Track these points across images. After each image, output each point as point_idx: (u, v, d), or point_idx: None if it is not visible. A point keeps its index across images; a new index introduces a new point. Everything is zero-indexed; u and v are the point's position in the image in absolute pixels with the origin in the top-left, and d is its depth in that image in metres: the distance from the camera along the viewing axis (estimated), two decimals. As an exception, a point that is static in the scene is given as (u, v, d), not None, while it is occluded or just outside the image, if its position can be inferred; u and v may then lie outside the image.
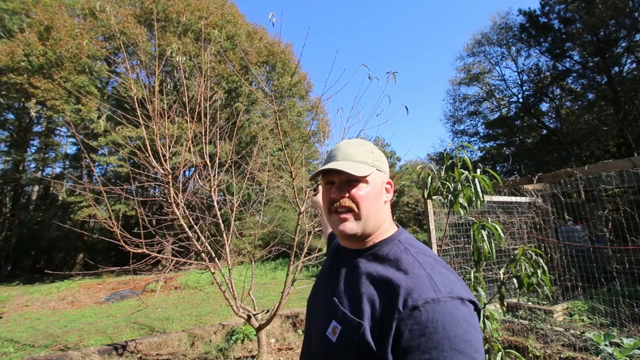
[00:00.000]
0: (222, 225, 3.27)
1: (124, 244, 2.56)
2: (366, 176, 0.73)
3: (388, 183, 0.80)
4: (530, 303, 4.24)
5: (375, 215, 0.74)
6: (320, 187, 1.28)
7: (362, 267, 0.72)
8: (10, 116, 16.28)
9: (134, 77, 4.75)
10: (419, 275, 0.63)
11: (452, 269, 0.69)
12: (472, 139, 20.63)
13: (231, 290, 3.11)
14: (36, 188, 18.62)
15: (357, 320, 0.62)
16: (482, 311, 0.69)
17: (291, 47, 17.52)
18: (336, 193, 0.74)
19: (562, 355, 2.96)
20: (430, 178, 2.03)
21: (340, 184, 0.75)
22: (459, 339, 0.54)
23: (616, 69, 14.36)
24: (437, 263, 0.68)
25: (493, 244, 1.71)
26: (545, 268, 1.68)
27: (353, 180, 0.74)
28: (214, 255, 3.06)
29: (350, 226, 0.73)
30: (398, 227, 0.80)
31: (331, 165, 0.74)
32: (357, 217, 0.73)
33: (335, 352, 0.64)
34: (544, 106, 18.55)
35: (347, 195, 0.73)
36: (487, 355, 1.67)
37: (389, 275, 0.66)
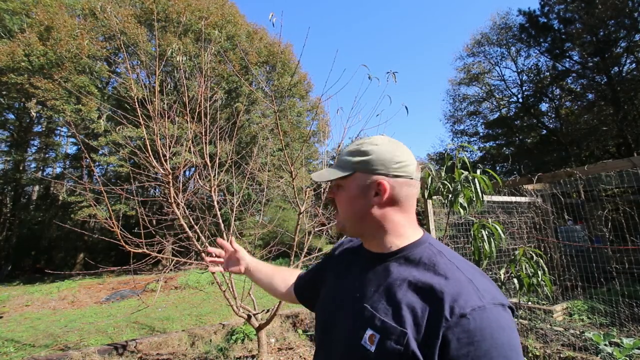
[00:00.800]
0: (222, 225, 3.27)
1: (124, 244, 2.57)
2: (336, 180, 0.77)
3: (378, 183, 0.71)
4: (530, 303, 4.25)
5: (357, 218, 0.74)
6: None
7: (394, 272, 0.69)
8: (11, 116, 16.29)
9: (134, 77, 4.76)
10: (460, 281, 0.61)
11: (486, 274, 0.67)
12: (472, 139, 20.65)
13: (231, 290, 3.12)
14: (36, 188, 18.62)
15: (400, 328, 0.60)
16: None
17: (291, 47, 17.56)
18: (327, 195, 0.83)
19: (561, 355, 2.96)
20: (430, 178, 2.04)
21: (331, 187, 0.81)
22: (507, 347, 0.54)
23: (616, 69, 14.37)
24: (473, 268, 0.66)
25: (493, 244, 1.72)
26: (546, 269, 1.68)
27: (337, 184, 0.78)
28: (214, 255, 3.05)
29: (337, 225, 0.80)
30: (424, 230, 0.77)
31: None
32: (338, 217, 0.79)
33: None
34: (544, 106, 18.61)
35: (332, 197, 0.81)
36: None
37: (428, 280, 0.63)
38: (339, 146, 3.40)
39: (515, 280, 1.68)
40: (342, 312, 0.73)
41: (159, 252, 3.02)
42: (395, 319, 0.61)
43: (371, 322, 0.64)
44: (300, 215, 3.11)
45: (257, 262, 1.17)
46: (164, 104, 3.23)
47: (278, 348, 3.93)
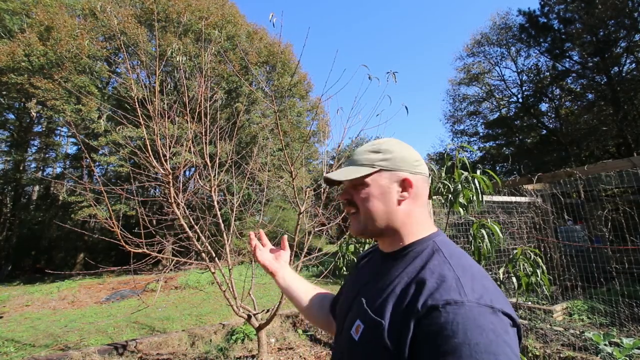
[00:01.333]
0: (222, 225, 3.28)
1: (124, 244, 2.57)
2: (362, 177, 0.75)
3: (404, 180, 0.75)
4: (529, 303, 4.25)
5: (383, 216, 0.75)
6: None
7: (393, 268, 0.72)
8: (11, 116, 16.29)
9: (134, 77, 4.76)
10: (445, 277, 0.59)
11: (491, 279, 0.64)
12: (472, 139, 20.66)
13: (231, 290, 3.12)
14: (37, 188, 18.61)
15: (378, 319, 0.62)
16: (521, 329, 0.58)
17: (291, 47, 17.55)
18: (341, 197, 0.80)
19: (561, 355, 2.97)
20: (430, 178, 2.04)
21: (346, 188, 0.80)
22: (482, 349, 0.48)
23: (615, 69, 14.37)
24: (473, 268, 0.63)
25: (493, 243, 1.72)
26: (544, 268, 1.68)
27: (357, 184, 0.77)
28: (214, 255, 3.06)
29: (353, 226, 0.78)
30: (437, 228, 0.78)
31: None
32: (358, 218, 0.76)
33: (358, 351, 0.64)
34: (544, 106, 18.61)
35: (349, 197, 0.78)
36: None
37: (414, 274, 0.64)
38: (339, 146, 3.41)
39: (514, 279, 1.69)
40: (349, 307, 0.77)
41: (159, 252, 3.03)
42: (376, 311, 0.63)
43: (360, 314, 0.67)
44: (300, 215, 3.11)
45: (295, 276, 1.13)
46: (164, 104, 3.23)
47: (278, 348, 3.93)
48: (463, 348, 0.48)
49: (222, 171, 3.58)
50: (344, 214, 3.65)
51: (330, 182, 0.83)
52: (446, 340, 0.50)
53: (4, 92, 13.11)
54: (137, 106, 2.98)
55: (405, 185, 0.75)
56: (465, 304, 0.53)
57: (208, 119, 3.32)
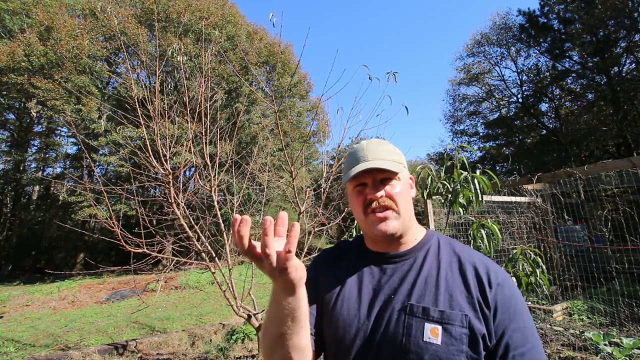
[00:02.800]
0: (222, 225, 3.28)
1: (124, 244, 2.57)
2: (398, 173, 0.74)
3: (410, 178, 0.79)
4: (529, 303, 4.25)
5: (410, 212, 0.75)
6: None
7: (424, 265, 0.70)
8: (11, 116, 16.30)
9: (134, 77, 4.76)
10: (481, 256, 0.71)
11: None
12: (471, 139, 20.65)
13: (231, 289, 3.12)
14: (37, 188, 18.61)
15: (460, 312, 0.62)
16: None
17: (291, 47, 17.55)
18: (373, 193, 0.72)
19: (561, 355, 2.97)
20: (430, 178, 2.04)
21: (374, 183, 0.73)
22: (524, 303, 0.67)
23: (615, 69, 14.37)
24: None
25: (492, 243, 1.72)
26: (544, 267, 1.69)
27: (386, 179, 0.73)
28: (214, 255, 3.06)
29: (393, 224, 0.70)
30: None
31: (370, 164, 0.71)
32: (397, 215, 0.71)
33: (444, 351, 0.60)
34: (544, 106, 18.60)
35: (384, 194, 0.72)
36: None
37: (460, 261, 0.70)
38: (339, 146, 3.41)
39: (514, 279, 1.69)
40: (381, 322, 0.67)
41: (159, 252, 3.03)
42: (450, 306, 0.64)
43: (427, 317, 0.64)
44: (300, 215, 3.11)
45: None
46: (164, 104, 3.24)
47: (278, 348, 3.93)
48: (523, 309, 0.66)
49: (222, 171, 3.57)
50: (344, 213, 3.65)
51: (358, 176, 0.73)
52: (515, 307, 0.65)
53: (4, 92, 13.11)
54: (137, 106, 2.98)
55: (412, 184, 0.80)
56: (507, 275, 0.69)
57: (208, 119, 3.32)
